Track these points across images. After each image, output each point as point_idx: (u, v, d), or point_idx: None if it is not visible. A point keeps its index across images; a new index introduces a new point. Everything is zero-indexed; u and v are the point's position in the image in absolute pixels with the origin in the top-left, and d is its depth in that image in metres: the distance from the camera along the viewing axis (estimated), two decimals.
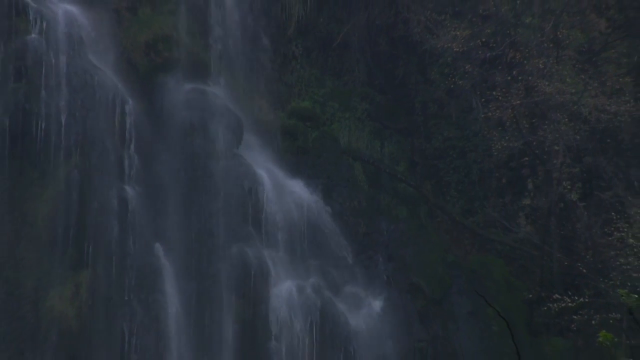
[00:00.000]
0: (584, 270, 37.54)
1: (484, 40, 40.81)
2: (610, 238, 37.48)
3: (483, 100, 40.82)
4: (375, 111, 42.30)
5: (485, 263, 40.14)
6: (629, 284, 32.72)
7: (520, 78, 39.57)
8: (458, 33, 40.64)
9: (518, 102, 39.48)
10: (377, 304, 37.81)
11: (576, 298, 36.20)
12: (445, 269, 39.59)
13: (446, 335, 38.27)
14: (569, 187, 40.38)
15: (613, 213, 38.43)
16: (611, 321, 34.38)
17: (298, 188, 38.45)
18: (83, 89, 35.47)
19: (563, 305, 36.29)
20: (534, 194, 41.96)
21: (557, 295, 36.66)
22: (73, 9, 36.33)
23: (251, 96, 39.92)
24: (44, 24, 35.30)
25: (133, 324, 34.32)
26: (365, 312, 37.55)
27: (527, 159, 41.05)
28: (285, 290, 36.52)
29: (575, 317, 36.40)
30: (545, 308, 37.12)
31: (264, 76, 40.94)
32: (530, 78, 39.35)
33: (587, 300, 36.34)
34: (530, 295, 38.89)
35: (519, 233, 41.46)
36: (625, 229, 37.22)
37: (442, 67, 42.49)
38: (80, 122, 35.17)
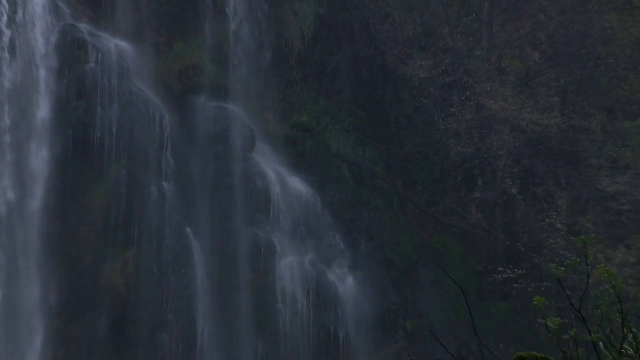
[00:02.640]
0: (522, 249, 37.63)
1: (443, 68, 40.81)
2: (542, 223, 37.59)
3: (443, 115, 40.81)
4: (359, 124, 42.31)
5: (445, 243, 40.19)
6: (557, 259, 32.83)
7: (472, 98, 39.58)
8: (423, 63, 40.66)
9: (470, 117, 39.50)
10: (360, 275, 37.77)
11: (516, 270, 36.30)
12: (413, 247, 39.63)
13: (414, 299, 38.28)
14: (510, 183, 40.48)
15: (545, 204, 38.53)
16: (543, 288, 34.49)
17: (298, 184, 38.42)
18: (130, 107, 35.48)
19: (506, 276, 36.41)
20: (483, 189, 41.99)
21: (501, 268, 36.77)
22: (122, 43, 36.33)
23: (262, 112, 39.94)
24: (100, 56, 35.31)
25: (169, 290, 34.33)
26: (351, 281, 37.50)
27: (477, 161, 41.04)
28: (288, 264, 36.51)
29: (515, 285, 36.47)
30: (492, 278, 37.21)
31: (272, 97, 40.90)
32: (480, 98, 39.36)
33: (524, 272, 36.45)
34: (480, 268, 38.93)
35: (471, 220, 41.56)
36: (555, 217, 37.32)
37: (411, 90, 42.46)
38: (128, 132, 35.17)
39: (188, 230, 35.43)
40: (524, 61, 42.68)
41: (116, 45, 36.10)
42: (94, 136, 34.57)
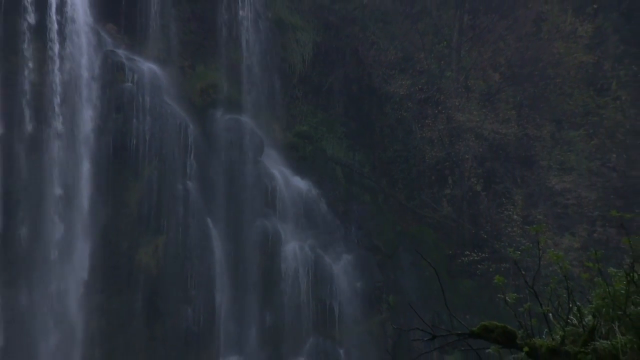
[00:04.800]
0: (485, 236, 37.69)
1: (420, 87, 40.86)
2: (502, 215, 37.67)
3: (419, 125, 40.84)
4: (349, 133, 42.30)
5: (421, 231, 40.16)
6: (514, 244, 32.82)
7: (443, 111, 39.66)
8: (403, 82, 40.70)
9: (442, 127, 39.59)
10: (350, 258, 37.75)
11: (480, 254, 36.35)
12: (395, 235, 39.62)
13: (395, 278, 38.28)
14: (475, 182, 40.54)
15: (504, 199, 38.60)
16: (502, 269, 34.55)
17: (299, 183, 38.42)
18: (160, 118, 35.48)
19: (471, 258, 36.43)
20: (453, 186, 42.02)
21: (467, 252, 36.80)
22: (154, 66, 36.35)
23: (269, 123, 39.91)
24: (135, 76, 35.32)
25: (192, 270, 34.33)
26: (343, 263, 37.51)
27: (448, 163, 41.13)
28: (291, 249, 36.50)
29: (479, 266, 36.51)
30: (460, 260, 37.22)
31: (277, 110, 40.89)
32: (450, 111, 39.44)
33: (487, 255, 36.50)
34: (450, 252, 38.91)
35: (442, 212, 41.52)
36: (512, 209, 37.40)
37: (393, 104, 42.45)
38: (158, 139, 35.17)
39: (208, 220, 35.43)
40: (486, 81, 42.75)
41: (149, 67, 36.14)
42: (130, 143, 34.58)
